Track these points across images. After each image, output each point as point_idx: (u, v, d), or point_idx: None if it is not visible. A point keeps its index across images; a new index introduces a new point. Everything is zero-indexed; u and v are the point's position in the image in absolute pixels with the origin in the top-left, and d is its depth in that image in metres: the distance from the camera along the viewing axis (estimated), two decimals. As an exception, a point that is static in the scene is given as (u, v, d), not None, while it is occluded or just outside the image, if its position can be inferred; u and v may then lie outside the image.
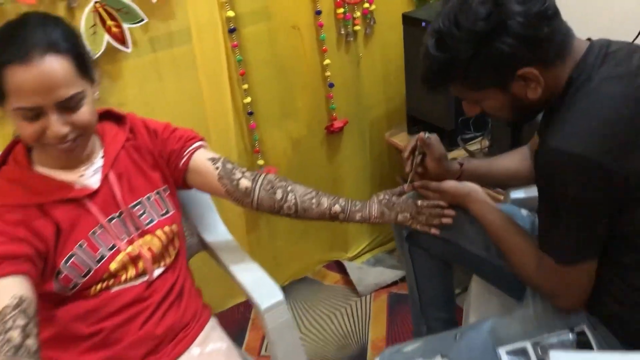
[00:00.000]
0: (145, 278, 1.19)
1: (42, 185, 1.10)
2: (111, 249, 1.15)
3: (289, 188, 1.26)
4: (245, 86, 1.80)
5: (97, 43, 1.51)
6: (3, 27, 1.01)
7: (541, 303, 1.17)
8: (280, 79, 1.88)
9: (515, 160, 1.39)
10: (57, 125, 1.01)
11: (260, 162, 1.91)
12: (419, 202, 1.29)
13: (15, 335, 0.90)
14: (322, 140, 2.06)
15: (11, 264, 0.98)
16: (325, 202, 1.26)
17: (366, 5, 1.93)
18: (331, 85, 1.96)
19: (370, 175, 2.23)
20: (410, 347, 1.18)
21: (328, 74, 1.93)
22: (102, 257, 1.14)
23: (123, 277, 1.17)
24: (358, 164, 2.18)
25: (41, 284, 1.06)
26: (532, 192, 1.43)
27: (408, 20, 1.84)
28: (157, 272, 1.22)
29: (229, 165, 1.26)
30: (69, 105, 1.01)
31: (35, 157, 1.13)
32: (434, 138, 1.32)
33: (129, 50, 1.57)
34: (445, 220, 1.27)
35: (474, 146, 1.89)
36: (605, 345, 1.07)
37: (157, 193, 1.23)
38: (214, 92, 1.76)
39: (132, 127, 1.24)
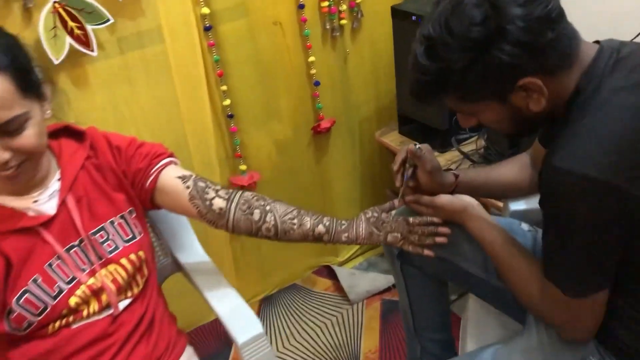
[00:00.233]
0: (110, 311, 1.09)
1: (-11, 214, 0.99)
2: (70, 281, 1.04)
3: (268, 207, 1.15)
4: (224, 87, 1.68)
5: (58, 47, 1.38)
6: None
7: (546, 331, 1.07)
8: (262, 79, 1.75)
9: (515, 169, 1.28)
10: None
11: (243, 167, 1.80)
12: (411, 220, 1.18)
13: None
14: (308, 142, 1.94)
15: None
16: (308, 222, 1.15)
17: (353, -3, 1.80)
18: (317, 84, 1.84)
19: (360, 178, 2.12)
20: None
21: (313, 71, 1.81)
22: (60, 292, 1.03)
23: (85, 312, 1.06)
24: (347, 165, 2.07)
25: (-11, 326, 0.95)
26: (533, 203, 1.32)
27: (397, 14, 1.72)
28: (124, 304, 1.11)
29: (201, 184, 1.15)
30: (9, 129, 0.89)
31: (-19, 183, 1.01)
32: (425, 149, 1.20)
33: (94, 54, 1.44)
34: (440, 240, 1.17)
35: (468, 147, 1.78)
36: (617, 380, 0.98)
37: (122, 217, 1.12)
38: (190, 95, 1.64)
39: (92, 143, 1.13)
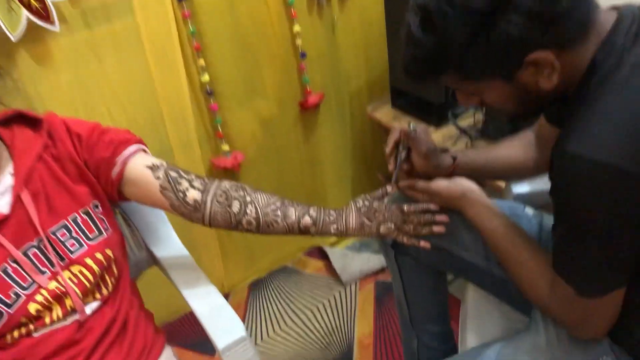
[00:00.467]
0: (77, 317, 0.99)
1: None
2: (29, 287, 0.94)
3: (248, 198, 1.04)
4: (202, 62, 1.55)
5: (14, 22, 1.25)
6: None
7: (554, 329, 0.98)
8: (243, 52, 1.63)
9: (518, 148, 1.17)
10: None
11: (225, 147, 1.68)
12: (405, 207, 1.08)
13: None
14: (295, 119, 1.82)
15: None
16: (292, 213, 1.05)
17: (340, -40, 1.67)
18: (303, 56, 1.71)
19: (351, 155, 2.01)
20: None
21: (299, 42, 1.69)
22: (17, 298, 0.93)
23: (47, 319, 0.96)
24: (338, 143, 1.95)
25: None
26: (538, 185, 1.22)
27: (389, -22, 1.59)
28: (92, 307, 1.01)
29: (173, 174, 1.04)
30: None
31: None
32: (420, 129, 1.10)
33: (56, 29, 1.31)
34: (437, 229, 1.07)
35: (466, 121, 1.68)
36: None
37: (85, 212, 1.01)
38: (165, 72, 1.52)
39: (50, 131, 1.01)
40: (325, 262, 2.07)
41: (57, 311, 0.97)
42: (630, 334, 0.90)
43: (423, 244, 1.06)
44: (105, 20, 1.39)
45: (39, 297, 0.94)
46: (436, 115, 1.70)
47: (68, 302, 0.97)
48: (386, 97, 1.85)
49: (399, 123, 1.76)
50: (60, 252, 0.97)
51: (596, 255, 0.81)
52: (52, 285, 0.96)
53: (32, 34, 1.29)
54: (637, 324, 0.88)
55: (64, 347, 0.97)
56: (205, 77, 1.57)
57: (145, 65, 1.49)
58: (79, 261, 0.98)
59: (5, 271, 0.92)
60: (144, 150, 1.08)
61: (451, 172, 1.14)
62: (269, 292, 1.99)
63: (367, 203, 1.07)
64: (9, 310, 0.92)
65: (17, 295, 0.93)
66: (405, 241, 1.07)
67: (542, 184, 1.22)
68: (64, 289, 0.97)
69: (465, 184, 1.08)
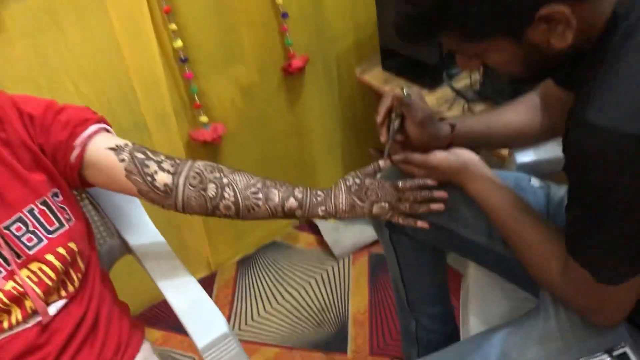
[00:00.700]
0: (39, 319, 0.89)
1: None
2: (-19, 289, 0.84)
3: (225, 180, 0.94)
4: (173, 26, 1.42)
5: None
6: None
7: (565, 312, 0.89)
8: (219, 13, 1.48)
9: (522, 113, 1.07)
10: None
11: (204, 119, 1.56)
12: (400, 184, 0.97)
13: None
14: (279, 85, 1.69)
15: None
16: (276, 195, 0.94)
17: None
18: (285, 16, 1.57)
19: (341, 121, 1.89)
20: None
21: (280, 1, 1.55)
22: (-32, 303, 0.83)
23: (5, 324, 0.87)
24: (325, 108, 1.83)
25: None
26: (543, 153, 1.12)
27: None
28: (57, 306, 0.91)
29: (140, 155, 0.92)
30: None
31: None
32: (415, 94, 0.99)
33: (6, -6, 1.18)
34: (435, 207, 0.97)
35: (462, 82, 1.56)
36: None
37: (43, 203, 0.90)
38: (134, 38, 1.38)
39: (-3, 113, 0.89)
40: (316, 235, 1.98)
41: (17, 314, 0.87)
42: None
43: (420, 224, 0.97)
44: (62, -17, 1.25)
45: (-6, 300, 0.85)
46: (430, 76, 1.58)
47: (28, 304, 0.88)
48: (376, 58, 1.72)
49: (391, 86, 1.65)
50: (16, 249, 0.87)
51: (616, 239, 0.72)
52: (9, 285, 0.86)
53: (-21, 0, 1.16)
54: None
55: (26, 353, 0.87)
56: (178, 43, 1.44)
57: (111, 32, 1.35)
58: (38, 258, 0.88)
59: (-48, 274, 0.82)
60: (107, 130, 0.96)
61: (449, 143, 1.04)
62: (258, 269, 1.91)
63: (357, 181, 0.97)
64: (-39, 317, 0.82)
65: (-32, 300, 0.83)
66: (401, 222, 0.97)
67: (548, 151, 1.12)
68: (22, 290, 0.87)
69: (466, 156, 0.98)
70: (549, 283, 0.86)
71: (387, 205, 0.96)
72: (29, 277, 0.88)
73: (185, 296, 0.97)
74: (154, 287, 1.03)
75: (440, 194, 0.97)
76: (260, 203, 0.94)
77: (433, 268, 1.15)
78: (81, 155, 0.91)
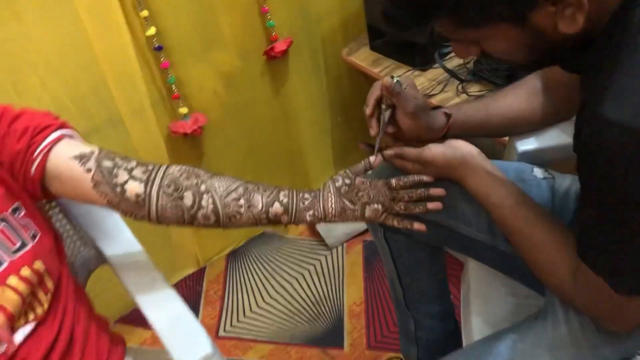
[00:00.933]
0: (4, 348, 0.81)
1: None
2: (-63, 320, 0.76)
3: (203, 187, 0.86)
4: (145, 13, 1.31)
5: None
6: None
7: (576, 317, 0.83)
8: (194, -3, 1.38)
9: (522, 99, 0.99)
10: None
11: (183, 110, 1.47)
12: (393, 182, 0.90)
13: None
14: (262, 70, 1.60)
15: None
16: (259, 201, 0.87)
17: None
18: (265, -4, 1.47)
19: (329, 105, 1.80)
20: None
21: (259, -21, 1.45)
22: None
23: (-33, 356, 0.79)
24: (312, 93, 1.74)
25: None
26: (546, 141, 1.05)
27: None
28: (24, 332, 0.83)
29: (107, 163, 0.84)
30: None
31: None
32: (405, 82, 0.90)
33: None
34: (432, 206, 0.89)
35: (454, 62, 1.47)
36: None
37: (2, 220, 0.82)
38: (103, 28, 1.28)
39: (-55, 122, 0.80)
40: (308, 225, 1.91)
41: (-21, 344, 0.80)
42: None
43: (417, 226, 0.89)
44: (18, -31, 1.15)
45: (-49, 331, 0.77)
46: (420, 56, 1.50)
47: (-9, 332, 0.80)
48: (363, 38, 1.63)
49: (379, 68, 1.56)
50: (-26, 273, 0.79)
51: (634, 245, 0.65)
52: (-32, 313, 0.78)
53: None
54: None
55: (-8, 385, 0.80)
56: (151, 30, 1.34)
57: (78, 21, 1.24)
58: (-2, 281, 0.80)
59: None
60: (70, 136, 0.87)
61: (445, 134, 0.96)
62: (248, 262, 1.84)
63: (347, 181, 0.89)
64: None
65: None
66: (396, 224, 0.89)
67: (552, 138, 1.04)
68: (-17, 318, 0.79)
69: (464, 148, 0.90)
70: (557, 287, 0.79)
71: (380, 206, 0.88)
72: (-11, 303, 0.80)
73: (166, 312, 0.90)
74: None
75: (437, 191, 0.90)
76: (242, 210, 0.86)
77: (431, 266, 1.08)
78: (42, 166, 0.83)
